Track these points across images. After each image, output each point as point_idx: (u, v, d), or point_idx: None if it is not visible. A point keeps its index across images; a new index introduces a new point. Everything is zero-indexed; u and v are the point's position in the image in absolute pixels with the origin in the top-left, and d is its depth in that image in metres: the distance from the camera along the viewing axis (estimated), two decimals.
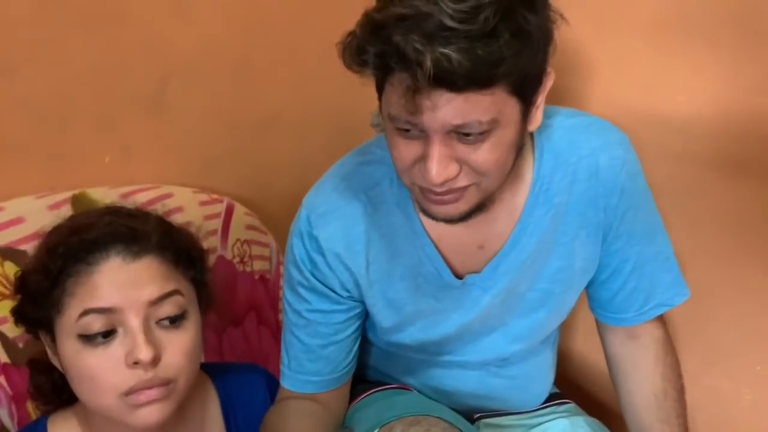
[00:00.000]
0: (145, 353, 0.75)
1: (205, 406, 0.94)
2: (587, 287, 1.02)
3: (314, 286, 0.94)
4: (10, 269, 0.98)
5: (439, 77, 0.67)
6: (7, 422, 0.97)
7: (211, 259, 1.17)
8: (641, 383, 1.02)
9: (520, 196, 0.90)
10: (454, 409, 1.00)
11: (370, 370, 1.11)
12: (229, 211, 1.24)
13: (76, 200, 1.07)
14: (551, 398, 1.13)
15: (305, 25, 1.29)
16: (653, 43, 1.11)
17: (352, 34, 0.73)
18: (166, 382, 0.78)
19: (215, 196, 1.23)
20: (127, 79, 1.14)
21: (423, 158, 0.76)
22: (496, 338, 0.99)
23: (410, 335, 0.98)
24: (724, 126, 1.05)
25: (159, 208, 0.92)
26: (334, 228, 0.92)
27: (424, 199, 0.82)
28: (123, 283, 0.77)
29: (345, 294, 0.95)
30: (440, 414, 0.93)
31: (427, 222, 0.90)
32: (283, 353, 1.00)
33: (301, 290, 0.95)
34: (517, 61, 0.69)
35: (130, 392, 0.76)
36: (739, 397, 1.11)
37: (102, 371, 0.76)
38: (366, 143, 0.97)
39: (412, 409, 0.94)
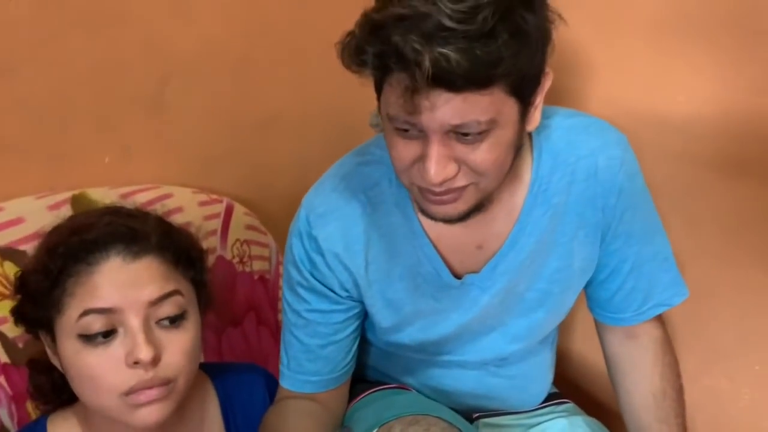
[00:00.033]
0: (145, 353, 0.76)
1: (204, 405, 0.94)
2: (586, 287, 1.02)
3: (313, 286, 0.94)
4: (10, 269, 0.98)
5: (437, 77, 0.68)
6: (7, 422, 0.97)
7: (211, 260, 1.17)
8: (640, 383, 1.02)
9: (518, 196, 0.90)
10: (453, 409, 1.00)
11: (369, 369, 1.11)
12: (229, 212, 1.24)
13: (75, 200, 1.07)
14: (550, 398, 1.13)
15: (305, 25, 1.29)
16: (653, 43, 1.11)
17: (351, 34, 0.73)
18: (166, 382, 0.78)
19: (215, 197, 1.23)
20: (126, 80, 1.14)
21: (422, 158, 0.76)
22: (494, 338, 0.99)
23: (409, 335, 0.98)
24: (723, 126, 1.05)
25: (158, 209, 0.92)
26: (333, 228, 0.92)
27: (422, 199, 0.82)
28: (123, 283, 0.78)
29: (344, 294, 0.95)
30: (439, 414, 0.93)
31: (426, 222, 0.90)
32: (283, 353, 1.00)
33: (301, 290, 0.95)
34: (515, 61, 0.69)
35: (130, 392, 0.77)
36: (738, 397, 1.11)
37: (102, 371, 0.76)
38: (365, 143, 0.97)
39: (411, 408, 0.94)
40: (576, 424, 0.99)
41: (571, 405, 1.12)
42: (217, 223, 1.22)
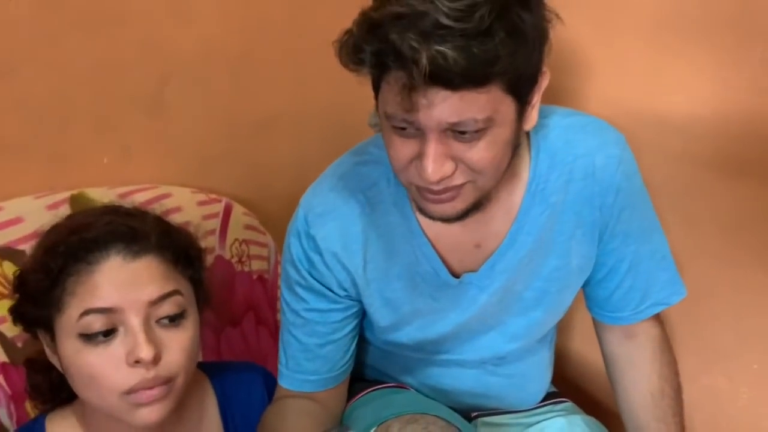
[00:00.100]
0: (146, 352, 0.76)
1: (202, 405, 0.94)
2: (584, 286, 1.02)
3: (312, 286, 0.95)
4: (9, 269, 0.98)
5: (434, 75, 0.68)
6: (6, 421, 0.97)
7: (210, 259, 1.17)
8: (638, 382, 1.02)
9: (516, 195, 0.90)
10: (451, 408, 1.00)
11: (368, 368, 1.11)
12: (228, 211, 1.24)
13: (74, 200, 1.07)
14: (548, 397, 1.13)
15: (303, 25, 1.29)
16: (652, 42, 1.11)
17: (348, 32, 0.73)
18: (167, 381, 0.78)
19: (213, 196, 1.24)
20: (125, 80, 1.14)
21: (419, 156, 0.76)
22: (493, 337, 1.00)
23: (407, 334, 0.98)
24: (723, 126, 1.05)
25: (157, 208, 0.92)
26: (332, 227, 0.92)
27: (421, 198, 0.82)
28: (123, 283, 0.78)
29: (342, 293, 0.95)
30: (437, 412, 0.93)
31: (424, 221, 0.90)
32: (281, 352, 1.00)
33: (299, 289, 0.95)
34: (512, 59, 0.70)
35: (131, 391, 0.77)
36: (736, 396, 1.11)
37: (103, 370, 0.77)
38: (363, 143, 0.97)
39: (410, 407, 0.94)
40: (574, 423, 0.99)
41: (569, 404, 1.12)
42: (215, 223, 1.22)
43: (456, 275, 0.93)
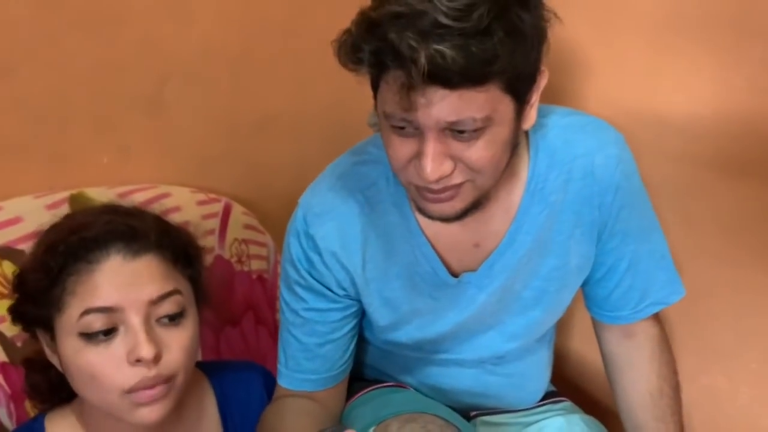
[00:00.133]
0: (146, 351, 0.76)
1: (202, 404, 0.94)
2: (583, 286, 1.02)
3: (311, 285, 0.95)
4: (8, 268, 0.99)
5: (433, 74, 0.68)
6: (6, 421, 0.97)
7: (209, 259, 1.17)
8: (637, 381, 1.02)
9: (515, 194, 0.90)
10: (450, 407, 1.00)
11: (367, 368, 1.11)
12: (227, 211, 1.24)
13: (73, 200, 1.07)
14: (547, 396, 1.13)
15: (303, 25, 1.29)
16: (652, 42, 1.11)
17: (347, 32, 0.74)
18: (168, 380, 0.78)
19: (213, 196, 1.24)
20: (125, 80, 1.14)
21: (418, 156, 0.76)
22: (492, 336, 1.00)
23: (406, 333, 0.98)
24: (723, 126, 1.05)
25: (156, 208, 0.92)
26: (331, 227, 0.92)
27: (420, 197, 0.82)
28: (123, 282, 0.78)
29: (341, 293, 0.95)
30: (436, 411, 0.93)
31: (423, 221, 0.90)
32: (281, 352, 1.00)
33: (298, 289, 0.96)
34: (510, 58, 0.70)
35: (131, 390, 0.77)
36: (736, 395, 1.11)
37: (104, 369, 0.77)
38: (362, 143, 0.97)
39: (409, 406, 0.94)
40: (573, 422, 0.99)
41: (568, 403, 1.12)
42: (215, 223, 1.22)
43: (455, 275, 0.93)
